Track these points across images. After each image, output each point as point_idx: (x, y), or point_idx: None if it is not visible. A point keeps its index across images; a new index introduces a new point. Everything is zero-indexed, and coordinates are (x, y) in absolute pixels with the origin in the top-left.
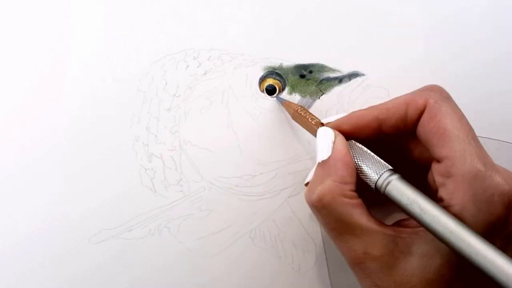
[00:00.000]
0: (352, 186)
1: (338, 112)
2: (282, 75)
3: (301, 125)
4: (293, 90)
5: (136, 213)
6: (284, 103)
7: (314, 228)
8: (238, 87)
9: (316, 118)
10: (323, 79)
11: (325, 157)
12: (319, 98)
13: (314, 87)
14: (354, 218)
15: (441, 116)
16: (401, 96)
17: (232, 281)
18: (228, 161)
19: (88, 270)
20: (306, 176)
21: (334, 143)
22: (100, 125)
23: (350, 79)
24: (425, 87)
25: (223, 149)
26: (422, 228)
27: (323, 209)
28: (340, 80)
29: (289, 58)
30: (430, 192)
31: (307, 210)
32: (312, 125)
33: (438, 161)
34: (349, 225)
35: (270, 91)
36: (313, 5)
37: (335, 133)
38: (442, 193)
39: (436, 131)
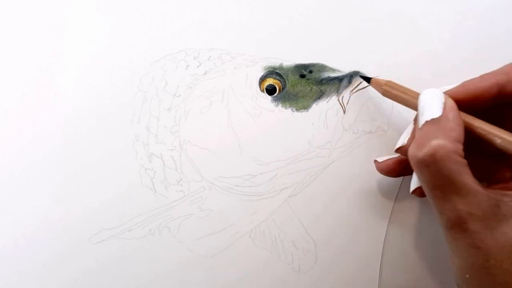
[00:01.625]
0: (462, 147)
1: (338, 113)
2: (282, 75)
3: (394, 99)
4: (293, 89)
5: (136, 213)
6: (373, 81)
7: (314, 228)
8: (238, 87)
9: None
10: (323, 79)
11: (436, 115)
12: (319, 98)
13: (314, 87)
14: (463, 177)
15: None
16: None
17: (232, 281)
18: (228, 161)
19: (88, 269)
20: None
21: (444, 103)
22: (100, 124)
23: (350, 79)
24: None
25: (223, 149)
26: None
27: (433, 165)
28: (340, 79)
29: (289, 58)
30: None
31: (307, 210)
32: (412, 95)
33: None
34: (456, 184)
35: (270, 91)
36: (314, 5)
37: (445, 95)
38: None
39: None
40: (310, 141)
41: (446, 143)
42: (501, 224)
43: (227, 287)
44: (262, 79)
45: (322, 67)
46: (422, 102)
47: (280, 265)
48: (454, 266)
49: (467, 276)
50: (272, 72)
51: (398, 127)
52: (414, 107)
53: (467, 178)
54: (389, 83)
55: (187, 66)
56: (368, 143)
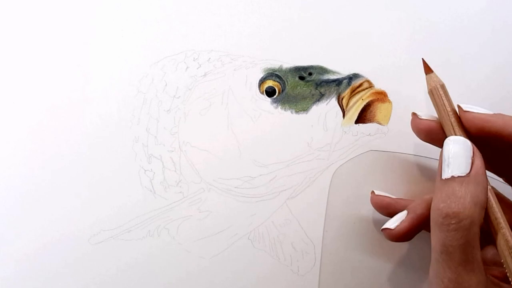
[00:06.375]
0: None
1: (337, 115)
2: (282, 77)
3: (434, 105)
4: (292, 91)
5: (136, 214)
6: (428, 77)
7: (313, 230)
8: (238, 88)
9: (452, 104)
10: (322, 81)
11: (464, 173)
12: (318, 100)
13: (313, 89)
14: (475, 252)
15: None
16: None
17: (231, 282)
18: (228, 163)
19: (86, 270)
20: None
21: (472, 159)
22: (100, 125)
23: (350, 81)
24: None
25: (222, 150)
26: None
27: (454, 231)
28: (340, 82)
29: (289, 60)
30: None
31: (306, 212)
32: (447, 118)
33: None
34: (467, 258)
35: (270, 93)
36: (313, 8)
37: (472, 147)
38: None
39: None
40: (309, 143)
41: (474, 211)
42: None
43: None
44: (261, 81)
45: (322, 69)
46: (448, 151)
47: (279, 267)
48: None
49: None
50: (272, 74)
51: (397, 130)
52: (442, 128)
53: (477, 254)
54: (441, 88)
55: (187, 67)
56: (368, 146)
